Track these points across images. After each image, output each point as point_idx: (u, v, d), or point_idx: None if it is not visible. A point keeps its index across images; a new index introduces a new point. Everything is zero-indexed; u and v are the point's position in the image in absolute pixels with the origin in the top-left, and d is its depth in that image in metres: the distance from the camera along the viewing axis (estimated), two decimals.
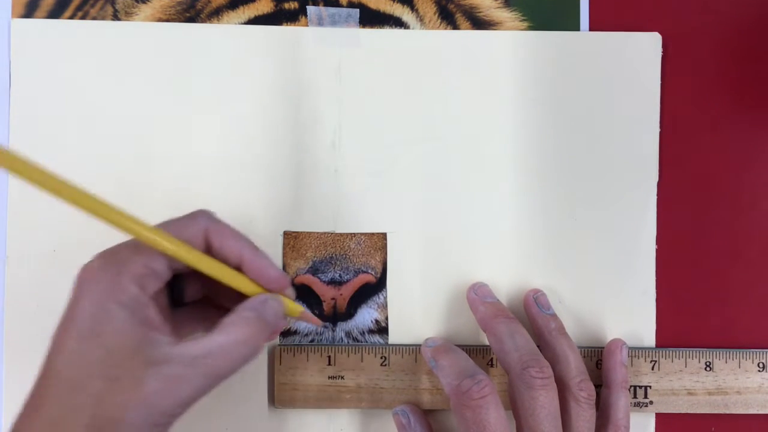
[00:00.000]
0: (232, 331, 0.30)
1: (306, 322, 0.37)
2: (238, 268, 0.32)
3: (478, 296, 0.38)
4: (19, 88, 0.39)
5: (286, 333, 0.39)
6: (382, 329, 0.40)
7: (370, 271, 0.40)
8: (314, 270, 0.39)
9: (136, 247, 0.30)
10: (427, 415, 0.38)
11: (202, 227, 0.31)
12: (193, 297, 0.34)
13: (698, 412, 0.39)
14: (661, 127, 0.40)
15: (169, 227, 0.31)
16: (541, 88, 0.40)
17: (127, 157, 0.39)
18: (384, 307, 0.40)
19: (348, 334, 0.40)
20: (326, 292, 0.39)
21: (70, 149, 0.39)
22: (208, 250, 0.32)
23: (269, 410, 0.39)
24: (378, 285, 0.40)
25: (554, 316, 0.38)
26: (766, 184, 0.41)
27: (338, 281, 0.40)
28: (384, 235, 0.40)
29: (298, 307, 0.35)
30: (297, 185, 0.40)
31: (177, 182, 0.39)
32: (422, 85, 0.40)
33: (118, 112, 0.39)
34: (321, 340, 0.39)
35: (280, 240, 0.39)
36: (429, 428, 0.37)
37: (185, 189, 0.39)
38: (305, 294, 0.39)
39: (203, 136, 0.39)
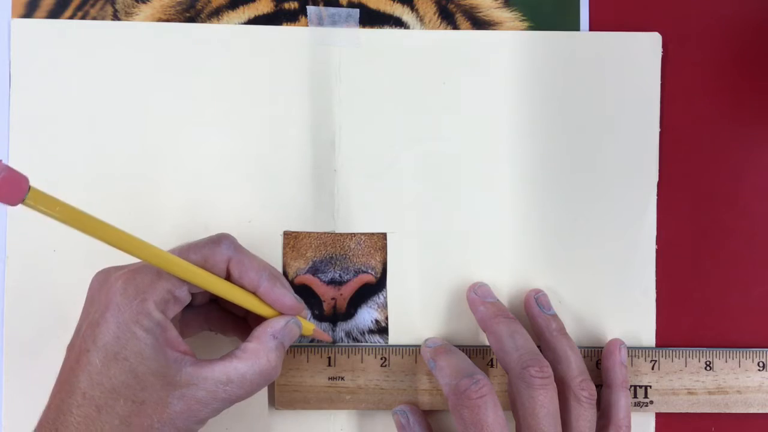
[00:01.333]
0: (253, 361, 0.32)
1: (318, 338, 0.38)
2: (254, 292, 0.34)
3: (478, 296, 0.38)
4: (19, 88, 0.39)
5: None
6: (382, 329, 0.40)
7: (370, 271, 0.40)
8: (314, 270, 0.39)
9: (159, 274, 0.31)
10: (426, 415, 0.38)
11: (225, 257, 0.33)
12: (201, 302, 0.35)
13: (698, 411, 0.39)
14: (661, 127, 0.40)
15: (192, 253, 0.32)
16: (541, 88, 0.40)
17: (127, 157, 0.39)
18: (384, 307, 0.40)
19: (348, 334, 0.40)
20: (326, 292, 0.39)
21: (70, 149, 0.39)
22: (227, 276, 0.33)
23: (269, 411, 0.39)
24: (378, 285, 0.40)
25: (555, 316, 0.38)
26: (766, 184, 0.41)
27: (338, 281, 0.40)
28: (384, 235, 0.40)
29: (311, 326, 0.36)
30: (297, 185, 0.40)
31: (177, 182, 0.39)
32: (422, 85, 0.40)
33: (118, 111, 0.39)
34: (321, 341, 0.39)
35: (280, 240, 0.39)
36: (428, 428, 0.37)
37: (185, 188, 0.39)
38: (305, 294, 0.39)
39: (203, 135, 0.39)
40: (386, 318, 0.40)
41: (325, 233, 0.40)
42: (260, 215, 0.39)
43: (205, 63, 0.40)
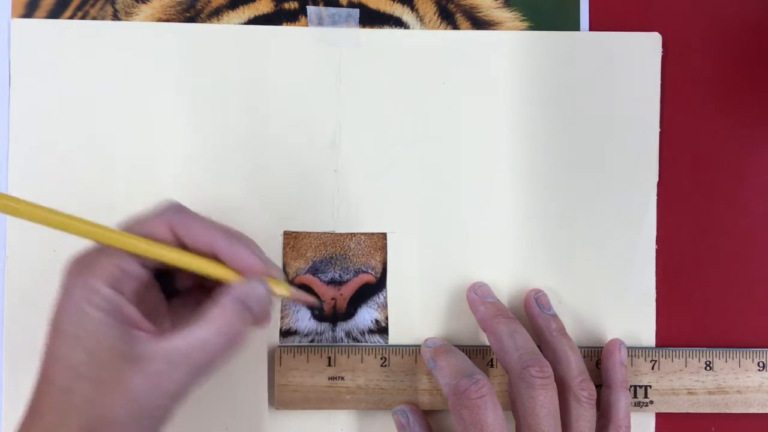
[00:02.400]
0: (210, 324, 0.30)
1: (298, 301, 0.36)
2: (214, 256, 0.32)
3: (478, 296, 0.38)
4: (19, 88, 0.39)
5: (286, 333, 0.39)
6: (382, 329, 0.40)
7: (370, 271, 0.40)
8: (314, 270, 0.39)
9: (103, 250, 0.31)
10: (426, 415, 0.38)
11: (166, 220, 0.31)
12: (184, 286, 0.34)
13: (699, 411, 0.39)
14: (661, 126, 0.40)
15: (134, 225, 0.31)
16: (541, 88, 0.40)
17: (127, 157, 0.39)
18: (384, 307, 0.40)
19: (348, 334, 0.40)
20: (326, 292, 0.39)
21: (69, 148, 0.39)
22: (181, 243, 0.32)
23: (269, 411, 0.39)
24: (378, 285, 0.40)
25: (555, 316, 0.38)
26: (765, 184, 0.41)
27: (338, 281, 0.39)
28: (384, 235, 0.40)
29: (286, 288, 0.34)
30: (297, 185, 0.40)
31: (177, 181, 0.39)
32: (422, 85, 0.40)
33: (118, 111, 0.39)
34: (321, 340, 0.39)
35: (280, 240, 0.39)
36: (428, 428, 0.37)
37: (185, 188, 0.39)
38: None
39: (203, 135, 0.39)
40: (386, 318, 0.40)
41: (325, 233, 0.40)
42: (260, 215, 0.39)
43: (205, 63, 0.39)
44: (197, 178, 0.39)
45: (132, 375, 0.28)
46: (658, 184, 0.40)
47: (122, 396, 0.28)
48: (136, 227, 0.31)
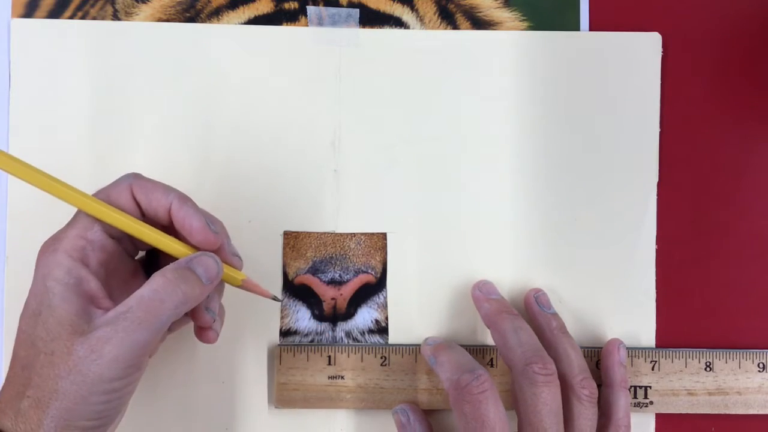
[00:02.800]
0: (149, 282, 0.30)
1: (251, 292, 0.35)
2: (170, 218, 0.32)
3: (482, 293, 0.38)
4: (19, 87, 0.39)
5: (286, 333, 0.39)
6: (382, 329, 0.40)
7: (370, 271, 0.40)
8: (314, 270, 0.39)
9: (69, 224, 0.31)
10: (427, 415, 0.38)
11: (126, 185, 0.32)
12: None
13: (698, 412, 0.39)
14: (661, 126, 0.40)
15: (97, 193, 0.32)
16: (541, 88, 0.40)
17: (127, 157, 0.39)
18: (384, 307, 0.40)
19: (348, 334, 0.40)
20: (326, 292, 0.39)
21: (69, 149, 0.39)
22: (141, 212, 0.32)
23: (269, 410, 0.39)
24: (378, 285, 0.40)
25: (555, 315, 0.38)
26: (765, 184, 0.41)
27: (338, 281, 0.39)
28: (384, 235, 0.40)
29: (239, 275, 0.34)
30: (297, 185, 0.40)
31: (176, 181, 0.39)
32: (422, 85, 0.40)
33: (117, 111, 0.39)
34: (321, 339, 0.39)
35: (280, 240, 0.39)
36: (429, 427, 0.37)
37: (185, 188, 0.39)
38: (305, 294, 0.39)
39: (203, 135, 0.39)
40: (386, 318, 0.40)
41: (325, 233, 0.40)
42: (260, 215, 0.39)
43: (205, 63, 0.39)
44: (197, 178, 0.39)
45: (77, 346, 0.28)
46: (658, 184, 0.40)
47: (66, 367, 0.28)
48: (98, 194, 0.32)
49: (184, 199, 0.32)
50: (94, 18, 0.40)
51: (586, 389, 0.35)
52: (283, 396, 0.39)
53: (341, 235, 0.40)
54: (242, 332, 0.39)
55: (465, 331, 0.40)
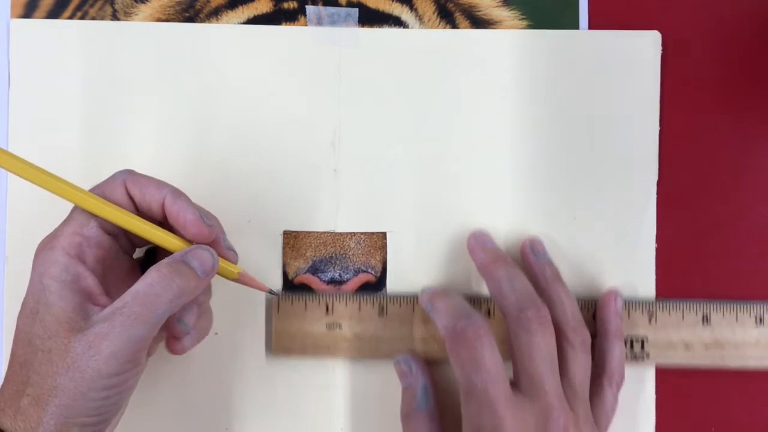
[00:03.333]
0: (144, 278, 0.30)
1: (247, 286, 0.35)
2: (164, 213, 0.32)
3: (478, 243, 0.38)
4: (19, 88, 0.39)
5: None
6: None
7: (370, 270, 0.40)
8: (314, 269, 0.40)
9: (65, 222, 0.31)
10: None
11: (120, 181, 0.32)
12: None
13: (695, 364, 0.39)
14: (660, 125, 0.40)
15: (92, 190, 0.32)
16: (541, 87, 0.40)
17: (126, 157, 0.39)
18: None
19: None
20: (326, 292, 0.39)
21: (69, 149, 0.39)
22: (135, 207, 0.32)
23: (267, 359, 0.39)
24: (378, 284, 0.40)
25: (550, 263, 0.38)
26: (765, 182, 0.41)
27: (338, 281, 0.40)
28: (384, 235, 0.40)
29: (235, 268, 0.34)
30: (297, 185, 0.40)
31: (175, 181, 0.39)
32: (421, 85, 0.40)
33: (116, 112, 0.39)
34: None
35: (279, 240, 0.39)
36: (430, 376, 0.37)
37: (184, 187, 0.39)
38: (305, 293, 0.39)
39: (202, 135, 0.40)
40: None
41: (324, 233, 0.40)
42: (260, 215, 0.39)
43: (204, 63, 0.40)
44: (196, 178, 0.39)
45: (75, 343, 0.28)
46: (658, 183, 0.40)
47: (63, 364, 0.28)
48: (93, 191, 0.32)
49: (178, 193, 0.32)
50: (93, 18, 0.40)
51: (578, 336, 0.35)
52: (280, 344, 0.39)
53: (341, 234, 0.40)
54: (243, 332, 0.39)
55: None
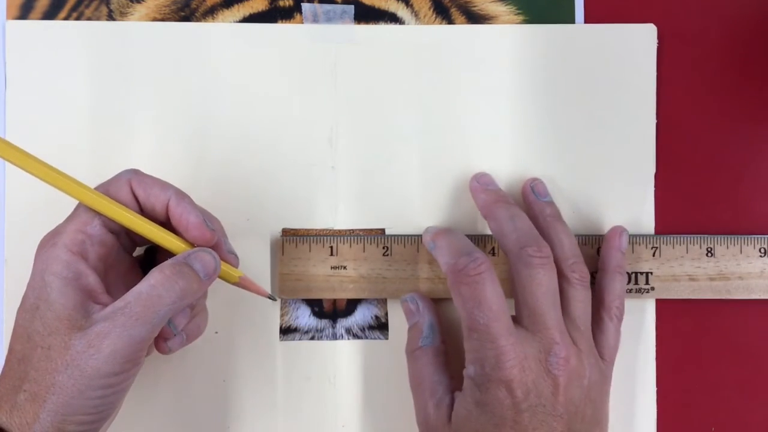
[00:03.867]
0: (146, 278, 0.30)
1: (248, 290, 0.36)
2: (167, 215, 0.32)
3: (480, 184, 0.39)
4: (15, 89, 0.39)
5: (286, 330, 0.39)
6: (382, 325, 0.40)
7: None
8: None
9: (69, 218, 0.31)
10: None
11: (125, 180, 0.32)
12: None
13: (700, 297, 0.39)
14: (657, 118, 0.40)
15: (96, 188, 0.32)
16: (537, 82, 0.40)
17: (124, 158, 0.39)
18: (383, 302, 0.40)
19: (348, 330, 0.40)
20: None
21: (66, 150, 0.39)
22: (139, 207, 0.32)
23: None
24: None
25: (551, 202, 0.38)
26: (764, 172, 0.41)
27: None
28: (382, 231, 0.40)
29: (237, 272, 0.34)
30: (294, 183, 0.40)
31: (173, 180, 0.39)
32: (418, 81, 0.40)
33: (113, 111, 0.39)
34: (321, 337, 0.39)
35: (279, 237, 0.39)
36: (436, 315, 0.38)
37: (182, 187, 0.39)
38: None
39: (199, 134, 0.39)
40: (386, 314, 0.40)
41: (323, 230, 0.40)
42: (258, 213, 0.39)
43: (201, 62, 0.39)
44: (194, 177, 0.39)
45: (74, 341, 0.29)
46: (656, 176, 0.40)
47: (63, 362, 0.28)
48: (98, 189, 0.32)
49: (182, 195, 0.33)
50: (89, 18, 0.40)
51: (576, 272, 0.35)
52: (286, 286, 0.39)
53: (340, 231, 0.40)
54: (243, 331, 0.39)
55: None
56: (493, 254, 0.39)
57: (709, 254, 0.39)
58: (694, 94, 0.40)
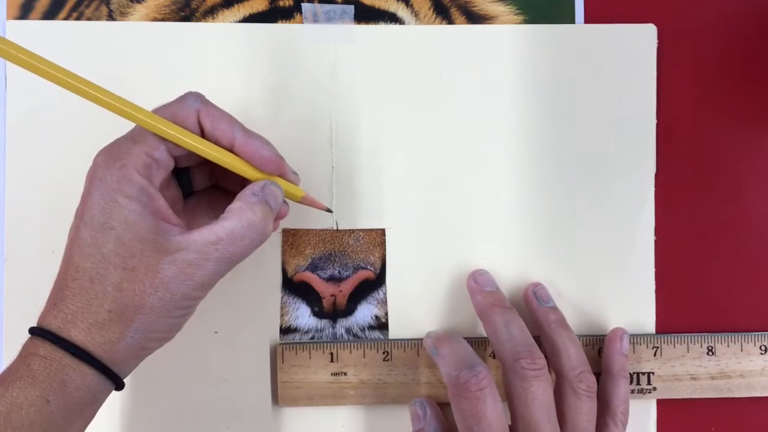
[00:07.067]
0: (238, 216, 0.31)
1: (310, 206, 0.37)
2: (231, 150, 0.33)
3: (477, 284, 0.38)
4: (15, 89, 0.39)
5: (286, 330, 0.39)
6: (382, 325, 0.40)
7: (369, 267, 0.40)
8: (313, 267, 0.39)
9: (133, 139, 0.31)
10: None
11: (194, 109, 0.32)
12: (201, 185, 0.35)
13: (702, 396, 0.39)
14: (657, 117, 0.40)
15: (162, 112, 0.32)
16: (538, 82, 0.40)
17: None
18: (383, 302, 0.40)
19: (348, 330, 0.40)
20: (326, 289, 0.39)
21: (66, 150, 0.39)
22: (201, 133, 0.32)
23: (272, 408, 0.39)
24: (377, 281, 0.40)
25: (554, 308, 0.38)
26: (763, 172, 0.41)
27: (337, 278, 0.40)
28: (383, 231, 0.40)
29: (299, 191, 0.35)
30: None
31: None
32: (418, 81, 0.40)
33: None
34: (321, 337, 0.39)
35: (279, 238, 0.39)
36: (443, 424, 0.37)
37: None
38: (305, 291, 0.39)
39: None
40: (386, 314, 0.40)
41: (323, 230, 0.40)
42: None
43: (201, 62, 0.39)
44: None
45: (164, 265, 0.29)
46: (656, 175, 0.40)
47: (153, 285, 0.29)
48: (163, 112, 0.32)
49: (248, 131, 0.33)
50: (89, 19, 0.40)
51: (583, 383, 0.35)
52: (286, 394, 0.39)
53: (340, 231, 0.40)
54: (242, 330, 0.39)
55: (465, 325, 0.40)
56: (494, 357, 0.39)
57: (710, 353, 0.39)
58: (694, 94, 0.40)
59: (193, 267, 0.30)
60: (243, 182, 0.33)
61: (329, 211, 0.38)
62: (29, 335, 0.29)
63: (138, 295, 0.29)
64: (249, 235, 0.31)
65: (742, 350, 0.39)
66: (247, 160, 0.33)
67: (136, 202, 0.29)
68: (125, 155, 0.30)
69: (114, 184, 0.30)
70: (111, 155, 0.31)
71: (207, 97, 0.33)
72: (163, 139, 0.31)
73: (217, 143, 0.32)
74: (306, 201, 0.36)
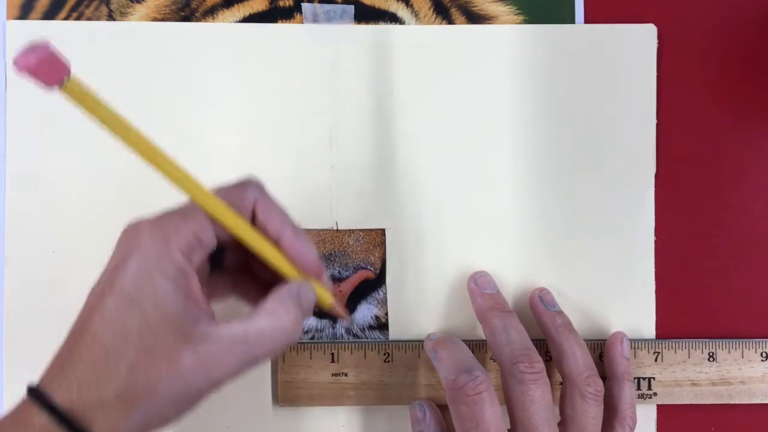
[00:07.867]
0: (271, 318, 0.29)
1: (334, 314, 0.35)
2: (276, 244, 0.31)
3: (477, 286, 0.38)
4: (15, 90, 0.39)
5: None
6: (382, 325, 0.40)
7: (369, 267, 0.40)
8: None
9: (184, 216, 0.29)
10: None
11: (251, 199, 0.31)
12: (232, 266, 0.33)
13: (702, 402, 0.39)
14: (657, 118, 0.40)
15: (221, 194, 0.30)
16: (537, 82, 0.40)
17: (125, 158, 0.39)
18: (383, 302, 0.40)
19: (348, 330, 0.40)
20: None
21: (66, 150, 0.39)
22: (252, 222, 0.31)
23: (272, 408, 0.39)
24: (377, 281, 0.40)
25: (560, 312, 0.38)
26: (762, 173, 0.41)
27: (337, 278, 0.40)
28: (383, 231, 0.40)
29: (330, 298, 0.34)
30: (295, 183, 0.40)
31: None
32: (418, 81, 0.40)
33: None
34: (321, 336, 0.39)
35: None
36: (443, 426, 0.37)
37: None
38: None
39: (199, 134, 0.39)
40: (386, 314, 0.40)
41: (323, 230, 0.40)
42: None
43: (201, 62, 0.39)
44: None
45: (184, 353, 0.27)
46: (656, 176, 0.40)
47: (169, 372, 0.27)
48: (222, 195, 0.30)
49: (299, 230, 0.31)
50: (89, 19, 0.40)
51: (590, 386, 0.35)
52: (287, 394, 0.39)
53: (340, 231, 0.40)
54: None
55: (464, 326, 0.40)
56: (494, 360, 0.39)
57: (711, 359, 0.39)
58: (694, 94, 0.40)
59: (215, 361, 0.28)
60: (273, 273, 0.32)
61: (350, 319, 0.38)
62: (27, 395, 0.27)
63: (151, 380, 0.27)
64: (279, 338, 0.29)
65: (743, 357, 0.39)
66: (290, 257, 0.31)
67: (172, 283, 0.28)
68: (173, 232, 0.29)
69: (155, 260, 0.28)
70: (158, 227, 0.29)
71: (263, 187, 0.31)
72: (214, 222, 0.30)
73: (263, 232, 0.31)
74: (334, 308, 0.34)
